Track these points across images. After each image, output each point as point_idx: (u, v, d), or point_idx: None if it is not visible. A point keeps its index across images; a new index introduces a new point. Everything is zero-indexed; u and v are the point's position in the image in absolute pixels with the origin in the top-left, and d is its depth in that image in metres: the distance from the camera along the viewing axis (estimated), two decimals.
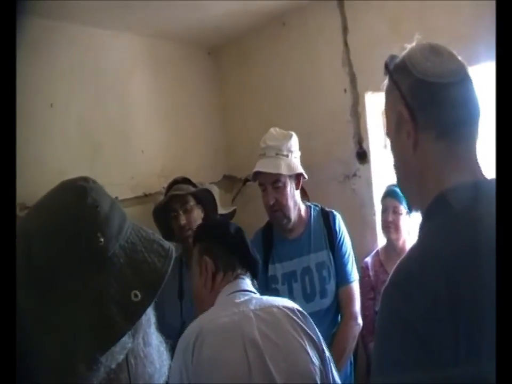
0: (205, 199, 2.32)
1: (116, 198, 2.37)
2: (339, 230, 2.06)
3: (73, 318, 0.61)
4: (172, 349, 0.83)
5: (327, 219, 2.08)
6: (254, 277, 1.48)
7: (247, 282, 1.43)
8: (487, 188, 0.82)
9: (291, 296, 1.86)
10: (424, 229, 0.87)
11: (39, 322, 0.61)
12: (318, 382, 1.28)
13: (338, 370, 1.54)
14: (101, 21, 2.52)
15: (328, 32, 2.72)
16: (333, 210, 2.12)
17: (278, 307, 1.34)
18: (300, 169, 2.03)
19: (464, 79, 0.88)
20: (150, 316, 0.72)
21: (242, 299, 1.34)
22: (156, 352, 0.73)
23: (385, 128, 0.99)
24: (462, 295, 0.72)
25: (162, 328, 0.78)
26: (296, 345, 1.29)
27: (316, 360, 1.30)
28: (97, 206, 0.66)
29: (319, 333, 1.37)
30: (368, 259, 2.46)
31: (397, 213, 2.32)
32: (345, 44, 2.66)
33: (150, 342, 0.72)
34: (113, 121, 2.68)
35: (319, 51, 2.78)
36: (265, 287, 1.95)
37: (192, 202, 2.27)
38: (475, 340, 0.70)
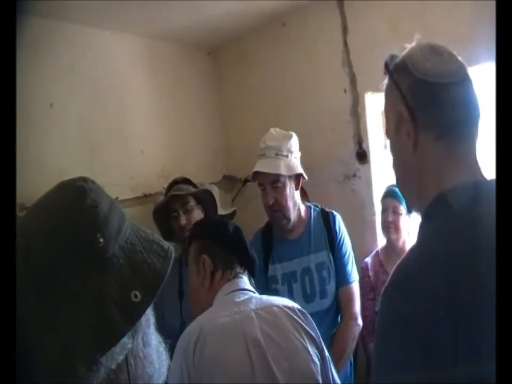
0: (205, 199, 2.32)
1: (116, 198, 2.38)
2: (339, 230, 2.06)
3: (73, 318, 0.61)
4: (171, 349, 0.83)
5: (327, 219, 2.07)
6: (251, 275, 1.47)
7: (246, 281, 1.42)
8: (487, 188, 0.82)
9: (291, 297, 1.85)
10: (424, 229, 0.87)
11: (39, 322, 0.61)
12: (320, 381, 1.28)
13: (338, 370, 1.54)
14: (101, 21, 2.52)
15: (328, 32, 2.72)
16: (333, 211, 2.12)
17: (278, 306, 1.34)
18: (300, 170, 2.02)
19: (464, 80, 0.88)
20: (149, 316, 0.72)
21: (242, 298, 1.34)
22: (155, 352, 0.73)
23: (384, 128, 0.99)
24: (461, 295, 0.72)
25: (162, 328, 0.78)
26: (298, 345, 1.29)
27: (316, 359, 1.30)
28: (97, 207, 0.66)
29: (318, 332, 1.37)
30: (368, 259, 2.46)
31: (397, 213, 2.32)
32: (345, 44, 2.66)
33: (150, 342, 0.72)
34: (113, 122, 2.67)
35: (319, 51, 2.78)
36: (265, 288, 1.95)
37: (192, 202, 2.27)
38: (475, 340, 0.70)
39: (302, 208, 2.09)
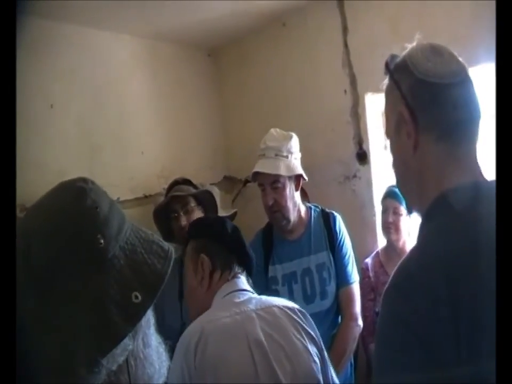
0: (205, 200, 2.32)
1: (117, 199, 2.38)
2: (339, 231, 2.06)
3: (73, 319, 0.61)
4: (171, 350, 0.83)
5: (327, 220, 2.07)
6: (249, 275, 1.46)
7: (244, 282, 1.41)
8: (487, 188, 0.82)
9: (291, 298, 1.85)
10: (424, 229, 0.87)
11: (39, 322, 0.61)
12: (321, 381, 1.28)
13: (339, 371, 1.54)
14: (101, 21, 2.52)
15: (328, 33, 2.72)
16: (333, 212, 2.12)
17: (278, 307, 1.34)
18: (300, 170, 2.02)
19: (465, 80, 0.88)
20: (149, 316, 0.72)
21: (241, 299, 1.34)
22: (155, 353, 0.73)
23: (385, 129, 0.99)
24: (462, 296, 0.72)
25: (162, 329, 0.77)
26: (298, 345, 1.29)
27: (317, 359, 1.31)
28: (97, 207, 0.66)
29: (318, 332, 1.37)
30: (369, 260, 2.46)
31: (397, 213, 2.32)
32: (345, 44, 2.66)
33: (150, 343, 0.71)
34: (113, 122, 2.68)
35: (319, 51, 2.78)
36: (265, 288, 1.94)
37: (193, 203, 2.27)
38: (475, 340, 0.70)
39: (302, 209, 2.09)
